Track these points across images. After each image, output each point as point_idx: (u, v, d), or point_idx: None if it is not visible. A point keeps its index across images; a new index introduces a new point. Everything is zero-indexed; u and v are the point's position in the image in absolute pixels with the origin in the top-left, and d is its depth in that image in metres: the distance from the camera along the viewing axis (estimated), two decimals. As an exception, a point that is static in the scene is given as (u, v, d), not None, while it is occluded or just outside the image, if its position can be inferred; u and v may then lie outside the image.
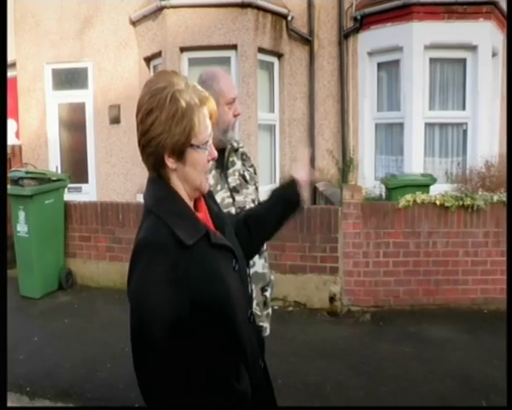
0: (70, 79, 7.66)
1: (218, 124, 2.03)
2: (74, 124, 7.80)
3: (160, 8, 6.05)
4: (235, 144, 2.17)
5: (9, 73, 8.76)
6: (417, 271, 4.76)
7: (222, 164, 2.08)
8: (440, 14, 6.40)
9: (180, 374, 1.19)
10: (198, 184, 1.30)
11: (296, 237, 4.88)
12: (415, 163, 6.48)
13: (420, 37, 6.42)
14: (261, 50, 6.41)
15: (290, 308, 4.96)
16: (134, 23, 6.81)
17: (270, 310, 2.17)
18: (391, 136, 7.07)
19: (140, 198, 6.90)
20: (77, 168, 7.67)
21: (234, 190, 2.07)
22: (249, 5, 6.06)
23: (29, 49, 7.47)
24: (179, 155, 1.24)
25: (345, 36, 7.00)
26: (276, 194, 1.72)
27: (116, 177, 7.48)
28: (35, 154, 7.65)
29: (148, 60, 6.82)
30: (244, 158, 2.20)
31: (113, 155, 7.43)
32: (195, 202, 1.37)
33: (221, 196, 2.01)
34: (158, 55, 6.42)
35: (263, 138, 6.87)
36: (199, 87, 1.28)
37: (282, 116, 7.11)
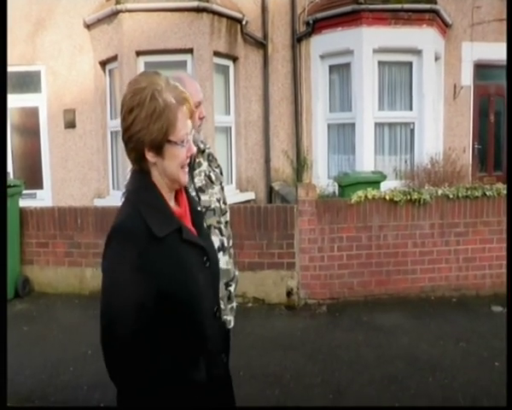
0: (21, 82, 7.49)
1: None
2: (27, 129, 7.64)
3: (116, 12, 6.06)
4: (201, 146, 2.26)
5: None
6: (370, 263, 5.00)
7: (188, 165, 2.19)
8: (387, 20, 6.73)
9: (142, 357, 1.27)
10: (176, 176, 1.39)
11: (254, 235, 4.99)
12: (366, 161, 6.77)
13: (369, 41, 6.72)
14: (217, 54, 6.52)
15: (249, 304, 5.07)
16: (89, 26, 6.76)
17: (234, 304, 2.29)
18: (343, 136, 7.34)
19: (97, 203, 6.86)
20: (31, 174, 7.50)
21: (200, 190, 2.17)
22: (204, 10, 6.16)
23: (-22, 52, 7.27)
24: (158, 149, 1.33)
25: (298, 40, 7.23)
26: None
27: (72, 182, 7.39)
28: (-14, 159, 7.44)
29: (103, 64, 6.79)
30: (210, 159, 2.30)
31: (69, 159, 7.33)
32: (177, 195, 1.46)
33: None
34: (114, 58, 6.41)
35: (219, 140, 6.98)
36: (180, 87, 1.37)
37: (238, 118, 7.25)
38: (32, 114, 7.52)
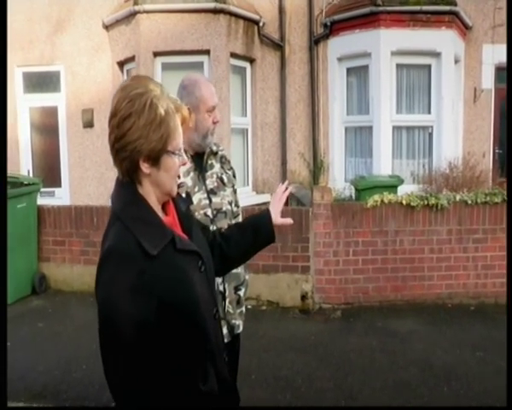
0: (41, 82, 7.60)
1: (197, 129, 2.12)
2: (46, 128, 7.74)
3: (134, 13, 6.09)
4: (214, 148, 2.24)
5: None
6: (385, 268, 4.94)
7: (200, 166, 2.16)
8: (406, 22, 6.65)
9: (148, 376, 1.22)
10: (169, 188, 1.34)
11: (268, 238, 4.98)
12: (383, 165, 6.69)
13: (387, 43, 6.65)
14: (233, 55, 6.52)
15: (263, 307, 5.06)
16: (107, 27, 6.82)
17: (243, 308, 2.26)
18: (360, 138, 7.27)
19: (114, 202, 6.89)
20: (49, 172, 7.61)
21: (211, 192, 2.14)
22: (222, 11, 6.16)
23: (-1, 52, 7.38)
24: (154, 160, 1.28)
25: (315, 42, 7.19)
26: (249, 222, 1.79)
27: (90, 181, 7.46)
28: (6, 158, 7.55)
29: (121, 64, 6.84)
30: (223, 161, 2.28)
31: (87, 158, 7.41)
32: (164, 204, 1.41)
33: (198, 198, 2.10)
34: (131, 59, 6.45)
35: (236, 142, 6.97)
36: (171, 95, 1.34)
37: (255, 120, 7.23)
38: (52, 113, 7.62)
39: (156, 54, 6.20)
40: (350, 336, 4.30)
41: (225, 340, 2.07)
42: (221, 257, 1.68)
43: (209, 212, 2.11)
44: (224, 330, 2.10)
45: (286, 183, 1.92)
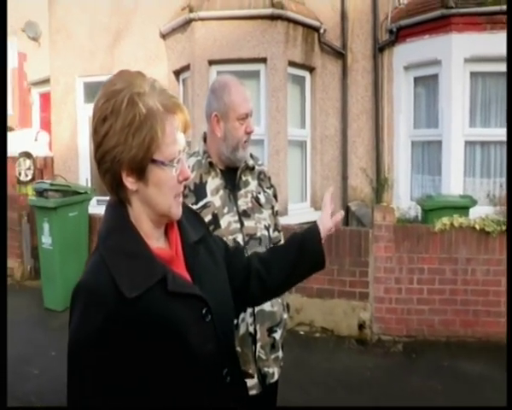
0: (101, 92, 7.69)
1: (226, 140, 1.82)
2: (105, 137, 7.81)
3: (189, 21, 5.96)
4: (250, 162, 1.94)
5: (46, 88, 8.95)
6: (454, 300, 4.42)
7: (232, 184, 1.87)
8: (482, 25, 6.04)
9: None
10: (166, 209, 1.06)
11: (324, 259, 4.66)
12: (453, 183, 6.10)
13: (459, 49, 6.07)
14: (292, 64, 6.22)
15: (317, 334, 4.74)
16: (164, 36, 6.76)
17: (280, 353, 1.93)
18: (428, 154, 6.71)
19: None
20: (106, 181, 7.65)
21: (243, 214, 1.84)
22: (279, 17, 5.88)
23: (61, 62, 7.55)
24: (139, 172, 1.02)
25: (379, 49, 6.74)
26: (292, 239, 1.49)
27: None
28: (66, 166, 7.68)
29: (177, 73, 6.75)
30: (261, 178, 1.98)
31: (141, 168, 7.37)
32: (167, 229, 1.14)
33: (227, 221, 1.80)
34: (187, 68, 6.33)
35: (293, 155, 6.65)
36: (169, 92, 1.07)
37: (314, 132, 6.89)
38: (110, 122, 7.66)
39: (211, 62, 6.02)
40: (411, 376, 3.84)
41: (254, 391, 1.76)
42: (259, 284, 1.39)
43: (240, 238, 1.79)
44: (254, 380, 1.79)
45: (331, 189, 1.57)
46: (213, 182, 1.84)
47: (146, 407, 1.00)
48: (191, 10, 5.88)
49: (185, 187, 1.83)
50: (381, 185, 6.87)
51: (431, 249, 4.42)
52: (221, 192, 1.83)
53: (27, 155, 7.72)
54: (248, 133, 1.85)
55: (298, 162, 6.87)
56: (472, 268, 4.38)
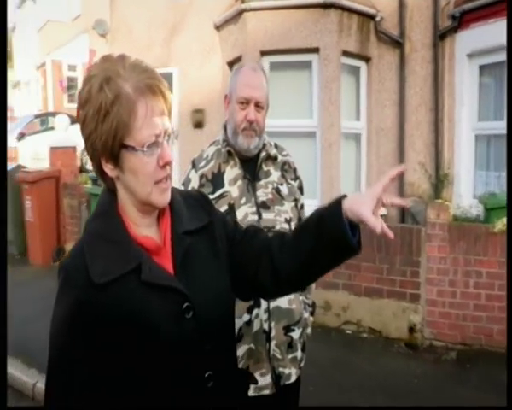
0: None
1: (228, 123, 1.78)
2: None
3: (240, 12, 5.90)
4: (272, 152, 1.84)
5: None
6: (516, 308, 4.07)
7: (252, 173, 1.78)
8: (557, 6, 5.52)
9: None
10: (144, 196, 1.01)
11: (373, 257, 4.48)
12: (521, 180, 5.65)
13: (532, 34, 5.59)
14: (346, 54, 6.00)
15: (364, 335, 4.56)
16: (218, 28, 6.77)
17: (298, 353, 1.81)
18: (494, 149, 6.26)
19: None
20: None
21: (262, 206, 1.74)
22: (332, 5, 5.67)
23: (120, 56, 7.78)
24: (114, 159, 0.99)
25: (440, 37, 6.32)
26: (310, 216, 1.19)
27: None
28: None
29: (230, 64, 6.72)
30: (285, 169, 1.87)
31: (195, 159, 7.48)
32: (160, 217, 1.10)
33: (244, 212, 1.71)
34: (239, 59, 6.28)
35: (347, 148, 6.44)
36: (153, 74, 1.03)
37: (369, 125, 6.62)
38: (166, 114, 7.85)
39: (263, 53, 5.93)
40: (463, 388, 3.57)
41: (267, 392, 1.67)
42: (271, 271, 1.15)
43: None
44: (267, 379, 1.69)
45: (403, 166, 1.23)
46: (232, 171, 1.78)
47: (113, 404, 0.96)
48: (243, 1, 5.82)
49: (203, 176, 1.77)
50: (440, 181, 6.49)
51: (490, 252, 4.09)
52: (239, 182, 1.75)
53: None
54: (249, 121, 1.75)
55: (352, 156, 6.65)
56: (537, 273, 4.02)
